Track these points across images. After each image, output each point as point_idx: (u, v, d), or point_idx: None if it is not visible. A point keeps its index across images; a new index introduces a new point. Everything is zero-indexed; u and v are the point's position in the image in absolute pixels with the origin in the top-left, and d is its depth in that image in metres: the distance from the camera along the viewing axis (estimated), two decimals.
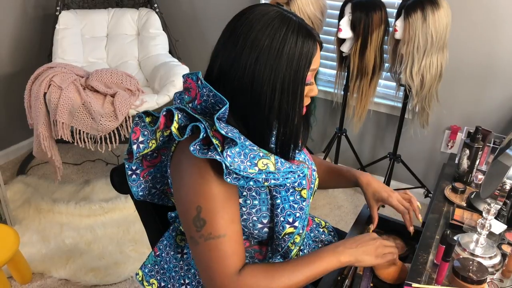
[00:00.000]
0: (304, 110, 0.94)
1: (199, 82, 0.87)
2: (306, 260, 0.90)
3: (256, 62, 0.83)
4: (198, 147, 0.82)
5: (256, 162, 0.84)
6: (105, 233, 2.12)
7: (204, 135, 0.82)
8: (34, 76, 2.13)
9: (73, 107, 2.03)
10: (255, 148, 0.86)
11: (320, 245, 1.18)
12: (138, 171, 1.00)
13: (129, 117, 2.10)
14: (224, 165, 0.80)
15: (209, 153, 0.80)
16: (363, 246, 0.94)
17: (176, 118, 0.85)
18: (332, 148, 2.50)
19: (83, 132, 2.08)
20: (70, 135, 2.09)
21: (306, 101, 0.93)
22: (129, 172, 0.99)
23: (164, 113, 0.87)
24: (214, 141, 0.81)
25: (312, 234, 1.19)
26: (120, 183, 1.11)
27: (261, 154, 0.86)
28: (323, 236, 1.21)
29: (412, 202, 1.13)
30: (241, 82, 0.84)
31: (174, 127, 0.85)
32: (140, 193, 1.02)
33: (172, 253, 1.06)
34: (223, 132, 0.81)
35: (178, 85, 2.25)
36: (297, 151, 1.00)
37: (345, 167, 1.23)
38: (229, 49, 0.85)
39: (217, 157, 0.79)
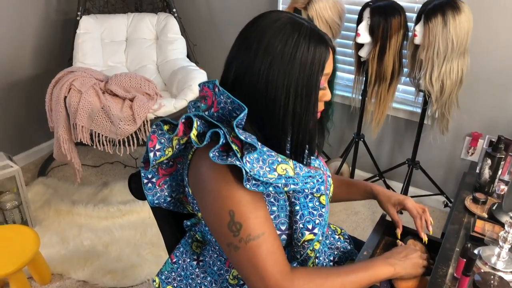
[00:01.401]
0: (319, 115, 0.94)
1: (216, 89, 0.87)
2: (360, 265, 0.93)
3: (269, 68, 0.83)
4: (217, 154, 0.82)
5: (275, 167, 0.84)
6: (122, 235, 2.15)
7: (224, 141, 0.82)
8: (55, 80, 2.17)
9: (92, 111, 2.06)
10: (273, 153, 0.86)
11: (336, 252, 1.17)
12: (154, 180, 1.00)
13: (147, 121, 2.12)
14: (244, 170, 0.80)
15: (229, 159, 0.81)
16: (411, 259, 0.99)
17: (195, 125, 0.85)
18: (350, 154, 2.48)
19: (102, 135, 2.11)
20: (89, 139, 2.12)
21: (320, 106, 0.93)
22: (145, 181, 1.00)
23: (183, 120, 0.88)
24: (234, 147, 0.81)
25: (327, 241, 1.18)
26: (138, 190, 1.12)
27: (279, 160, 0.85)
28: (338, 243, 1.20)
29: (426, 211, 1.13)
30: (255, 87, 0.85)
31: (193, 134, 0.85)
32: (156, 201, 1.02)
33: (188, 260, 1.06)
34: (242, 138, 0.81)
35: (195, 90, 2.26)
36: (312, 157, 1.00)
37: (357, 180, 1.23)
38: (243, 56, 0.86)
39: (237, 162, 0.80)
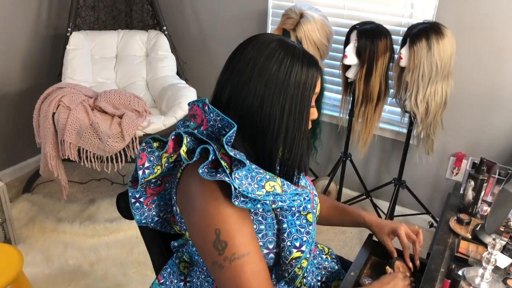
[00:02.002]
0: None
1: (206, 107, 0.89)
2: None
3: (265, 86, 0.86)
4: (206, 170, 0.83)
5: (263, 184, 0.85)
6: (108, 254, 2.12)
7: (213, 157, 0.83)
8: (44, 96, 2.17)
9: (80, 128, 2.05)
10: (261, 171, 0.88)
11: (323, 272, 1.18)
12: (141, 199, 1.01)
13: (135, 138, 2.12)
14: (232, 187, 0.81)
15: (218, 175, 0.82)
16: None
17: (185, 141, 0.87)
18: (337, 172, 2.51)
19: (90, 152, 2.10)
20: (77, 155, 2.11)
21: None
22: (133, 200, 1.00)
23: (173, 137, 0.89)
24: (223, 163, 0.82)
25: (315, 261, 1.19)
26: (126, 209, 1.12)
27: (267, 177, 0.87)
28: (326, 262, 1.21)
29: (419, 234, 1.15)
30: (251, 106, 0.87)
31: (183, 150, 0.86)
32: (143, 221, 1.03)
33: (175, 281, 1.06)
34: (231, 154, 0.83)
35: (185, 107, 2.27)
36: (301, 176, 1.01)
37: (351, 207, 1.25)
38: (238, 76, 0.88)
39: (226, 178, 0.81)
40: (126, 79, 2.66)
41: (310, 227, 0.94)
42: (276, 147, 0.90)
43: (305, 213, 0.93)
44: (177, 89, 2.43)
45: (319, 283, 1.15)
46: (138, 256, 2.10)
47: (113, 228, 2.26)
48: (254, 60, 0.87)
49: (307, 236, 0.93)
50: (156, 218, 1.04)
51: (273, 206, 0.86)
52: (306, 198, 0.92)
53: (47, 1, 2.68)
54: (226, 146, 0.83)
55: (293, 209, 0.91)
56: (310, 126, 0.96)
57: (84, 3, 2.66)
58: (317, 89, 0.92)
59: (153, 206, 1.02)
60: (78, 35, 2.57)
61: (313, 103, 0.94)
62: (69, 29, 2.54)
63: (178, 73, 2.69)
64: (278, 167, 0.93)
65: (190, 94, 2.36)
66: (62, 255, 2.09)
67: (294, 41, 0.93)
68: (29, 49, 2.66)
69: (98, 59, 2.65)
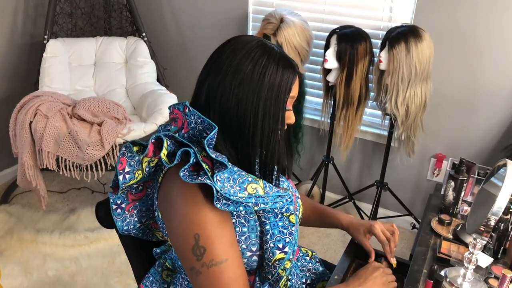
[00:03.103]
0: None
1: (187, 110, 0.88)
2: None
3: (239, 86, 0.86)
4: (187, 173, 0.82)
5: (245, 186, 0.85)
6: (89, 264, 2.08)
7: (194, 160, 0.82)
8: (20, 105, 2.12)
9: (59, 136, 2.01)
10: (243, 173, 0.87)
11: (308, 274, 1.17)
12: (123, 205, 0.99)
13: (115, 146, 2.08)
14: (214, 189, 0.80)
15: (199, 177, 0.81)
16: (371, 279, 0.98)
17: (165, 144, 0.85)
18: (320, 176, 2.51)
19: (69, 161, 2.06)
20: (56, 164, 2.06)
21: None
22: (114, 206, 0.98)
23: (153, 140, 0.87)
24: (204, 165, 0.82)
25: (299, 263, 1.18)
26: (105, 218, 1.10)
27: (249, 179, 0.86)
28: (310, 264, 1.20)
29: (395, 233, 1.14)
30: (226, 106, 0.87)
31: (164, 153, 0.85)
32: (125, 228, 1.01)
33: None
34: (213, 156, 0.82)
35: (165, 113, 2.25)
36: (281, 178, 1.01)
37: (330, 208, 1.24)
38: (215, 74, 0.88)
39: (208, 181, 0.80)
40: (105, 87, 2.62)
41: (293, 228, 0.94)
42: (254, 148, 0.89)
43: (288, 214, 0.93)
44: (158, 95, 2.41)
45: (304, 286, 1.14)
46: (120, 265, 2.06)
47: (94, 238, 2.22)
48: (230, 59, 0.88)
49: (290, 237, 0.93)
50: (138, 225, 1.02)
51: (256, 208, 0.85)
52: (289, 199, 0.92)
53: (22, 8, 2.63)
54: (207, 148, 0.82)
55: (276, 210, 0.91)
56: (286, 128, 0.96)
57: (61, 10, 2.62)
58: (294, 93, 0.92)
59: (135, 212, 1.00)
60: (56, 42, 2.53)
61: (289, 107, 0.93)
62: (46, 37, 2.49)
63: (158, 80, 2.66)
64: (257, 169, 0.92)
65: (170, 100, 2.34)
66: (41, 267, 2.04)
67: (275, 44, 0.93)
68: (4, 58, 2.61)
69: (76, 67, 2.60)
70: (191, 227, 0.83)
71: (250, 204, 0.84)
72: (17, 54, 2.67)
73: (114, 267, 2.06)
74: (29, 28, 2.70)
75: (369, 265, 1.02)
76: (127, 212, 0.99)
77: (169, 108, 0.93)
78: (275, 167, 0.93)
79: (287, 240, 0.92)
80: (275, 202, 0.88)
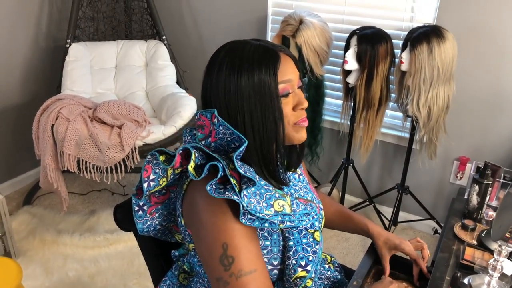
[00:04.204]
0: (303, 123, 0.92)
1: (215, 120, 0.87)
2: None
3: (224, 89, 0.86)
4: (214, 187, 0.81)
5: (272, 203, 0.83)
6: (109, 265, 2.10)
7: (222, 174, 0.81)
8: (43, 108, 2.16)
9: (80, 139, 2.04)
10: (270, 188, 0.86)
11: (326, 282, 1.15)
12: (145, 207, 0.98)
13: (135, 148, 2.10)
14: (241, 205, 0.79)
15: (226, 193, 0.79)
16: None
17: (193, 157, 0.84)
18: (339, 179, 2.48)
19: (89, 163, 2.08)
20: (77, 166, 2.09)
21: (297, 116, 0.91)
22: (136, 208, 0.97)
23: (180, 151, 0.86)
24: (232, 180, 0.80)
25: (318, 271, 1.16)
26: (123, 221, 1.10)
27: (276, 195, 0.85)
28: (328, 273, 1.18)
29: (424, 250, 1.12)
30: (227, 120, 0.86)
31: (191, 166, 0.83)
32: (145, 230, 1.00)
33: None
34: (241, 171, 0.80)
35: (184, 116, 2.26)
36: (305, 188, 1.00)
37: (357, 214, 1.21)
38: (206, 81, 0.91)
39: (235, 197, 0.79)
40: (126, 89, 2.65)
41: (317, 246, 0.92)
42: (250, 154, 0.87)
43: (312, 231, 0.91)
44: (177, 98, 2.42)
45: None
46: (138, 267, 2.08)
47: (114, 239, 2.24)
48: (210, 71, 0.89)
49: (313, 256, 0.91)
50: (159, 227, 1.01)
51: (281, 226, 0.84)
52: (315, 216, 0.90)
53: (46, 13, 2.69)
54: (236, 164, 0.81)
55: (300, 226, 0.89)
56: (301, 115, 0.91)
57: (84, 14, 2.66)
58: (288, 76, 0.87)
59: (157, 215, 0.99)
60: (78, 46, 2.57)
61: (290, 90, 0.88)
62: (69, 41, 2.54)
63: (178, 82, 2.68)
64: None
65: (189, 103, 2.35)
66: (62, 268, 2.07)
67: (251, 40, 0.91)
68: (29, 62, 2.66)
69: (97, 70, 2.64)
70: (219, 237, 0.81)
71: (276, 222, 0.82)
72: (41, 58, 2.73)
73: (132, 268, 2.08)
74: (53, 32, 2.75)
75: (384, 280, 1.00)
76: (148, 215, 0.99)
77: (196, 114, 0.92)
78: (279, 166, 0.90)
79: (310, 258, 0.90)
80: (301, 220, 0.86)
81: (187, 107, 2.30)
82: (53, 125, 2.07)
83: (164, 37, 2.70)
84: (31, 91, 2.71)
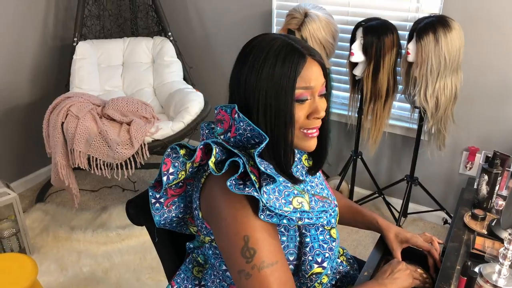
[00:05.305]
0: (315, 133, 0.91)
1: (236, 115, 0.87)
2: None
3: (245, 81, 0.86)
4: (234, 182, 0.82)
5: (291, 200, 0.84)
6: (122, 260, 2.13)
7: (242, 170, 0.82)
8: (52, 106, 2.18)
9: (89, 136, 2.06)
10: (289, 185, 0.86)
11: (338, 277, 1.16)
12: (161, 200, 0.99)
13: (144, 144, 2.12)
14: (260, 202, 0.79)
15: (246, 189, 0.80)
16: (397, 271, 0.99)
17: (214, 152, 0.84)
18: (348, 171, 2.48)
19: (100, 160, 2.11)
20: (87, 163, 2.12)
21: (309, 124, 0.89)
22: (153, 201, 0.98)
23: (201, 146, 0.87)
24: (252, 177, 0.81)
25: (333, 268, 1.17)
26: (135, 215, 1.12)
27: (295, 192, 0.86)
28: (341, 267, 1.19)
29: (434, 241, 1.14)
30: (240, 101, 0.88)
31: (212, 161, 0.84)
32: (162, 222, 1.01)
33: (190, 286, 1.05)
34: (262, 168, 0.81)
35: (192, 112, 2.27)
36: (321, 186, 1.01)
37: (367, 209, 1.22)
38: (232, 72, 0.90)
39: (255, 193, 0.79)
40: (133, 86, 2.67)
41: (333, 243, 0.93)
42: (273, 152, 0.87)
43: (329, 228, 0.92)
44: (184, 94, 2.43)
45: None
46: (151, 261, 2.10)
47: (126, 235, 2.27)
48: (244, 58, 0.88)
49: (330, 253, 0.92)
50: (175, 219, 1.02)
51: (300, 222, 0.84)
52: (332, 213, 0.91)
53: (53, 12, 2.71)
54: (257, 161, 0.81)
55: (318, 223, 0.90)
56: (316, 124, 0.90)
57: (90, 13, 2.68)
58: (310, 83, 0.85)
59: (173, 207, 1.00)
60: (85, 44, 2.59)
61: (308, 96, 0.87)
62: (75, 39, 2.56)
63: (184, 78, 2.69)
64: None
65: (197, 98, 2.36)
66: (76, 263, 2.10)
67: (287, 35, 0.90)
68: (37, 60, 2.69)
69: (105, 68, 2.66)
70: (240, 229, 0.82)
71: (294, 218, 0.83)
72: (49, 57, 2.75)
73: (145, 263, 2.10)
74: (60, 30, 2.77)
75: (392, 261, 1.04)
76: (165, 208, 0.99)
77: (216, 108, 0.92)
78: (289, 167, 0.90)
79: (327, 255, 0.91)
80: (319, 218, 0.87)
81: (195, 102, 2.31)
82: (63, 123, 2.09)
83: (169, 34, 2.71)
84: (40, 90, 2.74)
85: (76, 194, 2.24)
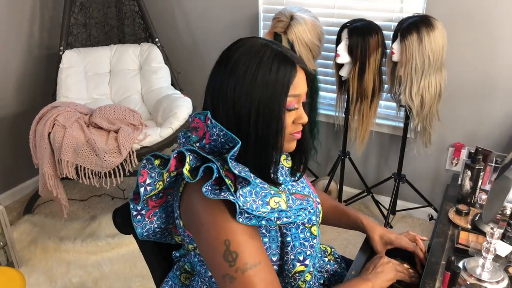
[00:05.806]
0: (297, 135, 0.94)
1: (209, 122, 0.87)
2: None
3: (234, 89, 0.85)
4: (210, 188, 0.82)
5: (267, 200, 0.84)
6: (112, 269, 2.11)
7: (217, 175, 0.82)
8: (39, 116, 2.17)
9: (77, 145, 2.05)
10: (265, 186, 0.87)
11: (325, 275, 1.16)
12: (143, 212, 0.99)
13: (133, 152, 2.11)
14: (237, 205, 0.80)
15: (222, 193, 0.80)
16: (380, 265, 1.03)
17: (188, 159, 0.85)
18: (337, 171, 2.49)
19: (88, 169, 2.10)
20: (75, 173, 2.10)
21: (294, 128, 0.93)
22: (134, 213, 0.98)
23: (175, 155, 0.87)
24: (227, 181, 0.81)
25: (317, 264, 1.18)
26: (122, 224, 1.12)
27: (272, 192, 0.86)
28: (328, 266, 1.19)
29: (418, 241, 1.16)
30: (225, 107, 0.86)
31: (186, 169, 0.84)
32: (145, 234, 1.01)
33: None
34: (236, 172, 0.81)
35: (180, 117, 2.27)
36: (302, 183, 1.02)
37: (351, 209, 1.23)
38: (215, 79, 0.89)
39: (230, 197, 0.80)
40: (121, 94, 2.66)
41: (314, 241, 0.93)
42: (248, 151, 0.87)
43: (310, 225, 0.93)
44: (172, 99, 2.43)
45: (321, 287, 1.14)
46: (141, 269, 2.09)
47: (115, 243, 2.25)
48: (228, 61, 0.87)
49: (311, 250, 0.92)
50: (158, 230, 1.02)
51: (278, 222, 0.85)
52: (311, 210, 0.92)
53: (38, 21, 2.69)
54: (230, 164, 0.82)
55: (298, 222, 0.91)
56: (297, 129, 0.93)
57: (76, 21, 2.66)
58: (298, 91, 0.88)
59: (155, 218, 1.00)
60: (71, 53, 2.58)
61: (296, 106, 0.90)
62: (62, 48, 2.55)
63: (172, 84, 2.69)
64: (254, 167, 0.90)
65: (185, 104, 2.36)
66: (65, 274, 2.08)
67: (277, 42, 0.92)
68: (23, 71, 2.67)
69: (92, 76, 2.65)
70: (221, 234, 0.82)
71: (272, 219, 0.83)
72: (35, 66, 2.73)
73: (135, 271, 2.09)
74: (45, 39, 2.76)
75: (374, 257, 1.07)
76: (147, 219, 0.99)
77: (190, 116, 0.93)
78: (272, 167, 0.91)
79: (308, 253, 0.92)
80: (298, 215, 0.87)
81: (183, 107, 2.31)
82: (50, 133, 2.08)
83: (157, 40, 2.70)
84: (27, 100, 2.72)
85: (64, 204, 2.23)
